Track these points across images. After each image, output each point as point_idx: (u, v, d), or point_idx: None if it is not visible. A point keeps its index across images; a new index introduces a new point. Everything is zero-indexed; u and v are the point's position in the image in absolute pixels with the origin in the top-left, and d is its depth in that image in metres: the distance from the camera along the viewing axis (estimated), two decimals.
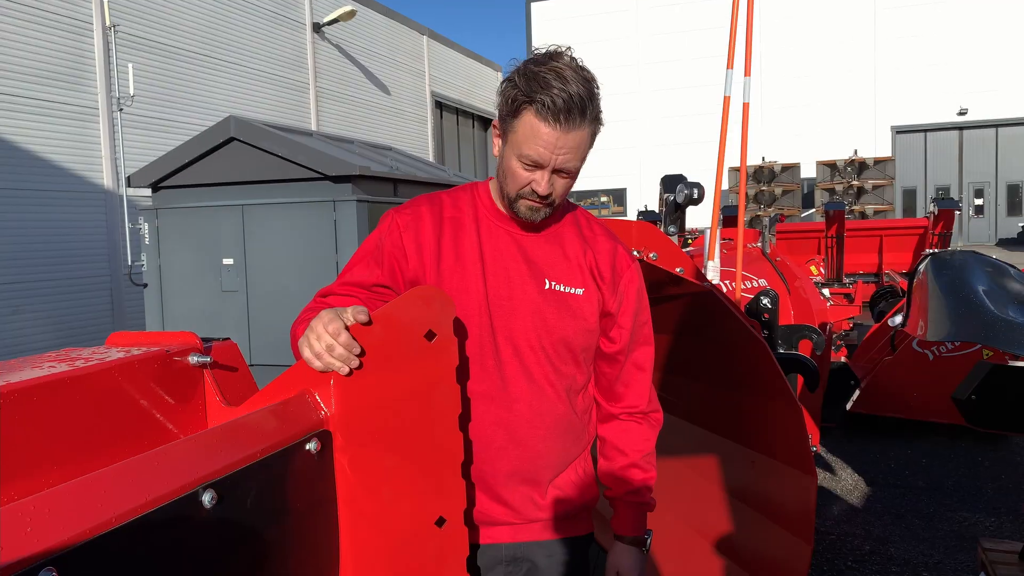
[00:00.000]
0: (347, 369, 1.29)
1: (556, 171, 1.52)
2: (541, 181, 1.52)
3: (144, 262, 6.35)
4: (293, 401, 1.30)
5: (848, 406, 5.93)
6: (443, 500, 1.37)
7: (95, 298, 9.71)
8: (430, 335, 1.37)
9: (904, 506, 4.64)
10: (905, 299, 6.81)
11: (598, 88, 1.52)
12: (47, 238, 9.14)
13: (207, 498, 1.05)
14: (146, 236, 6.27)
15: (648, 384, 1.76)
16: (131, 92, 9.85)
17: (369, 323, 1.30)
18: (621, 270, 1.68)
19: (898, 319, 6.65)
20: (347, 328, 1.28)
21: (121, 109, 9.86)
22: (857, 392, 5.94)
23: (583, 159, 1.55)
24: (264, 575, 1.19)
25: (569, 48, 1.53)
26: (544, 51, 1.52)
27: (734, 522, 2.55)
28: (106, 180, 9.89)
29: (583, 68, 1.51)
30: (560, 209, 1.67)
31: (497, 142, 1.59)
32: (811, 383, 3.01)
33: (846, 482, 5.06)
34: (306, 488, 1.28)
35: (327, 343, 1.26)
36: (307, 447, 1.27)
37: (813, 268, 11.64)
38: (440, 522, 1.36)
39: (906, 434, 5.93)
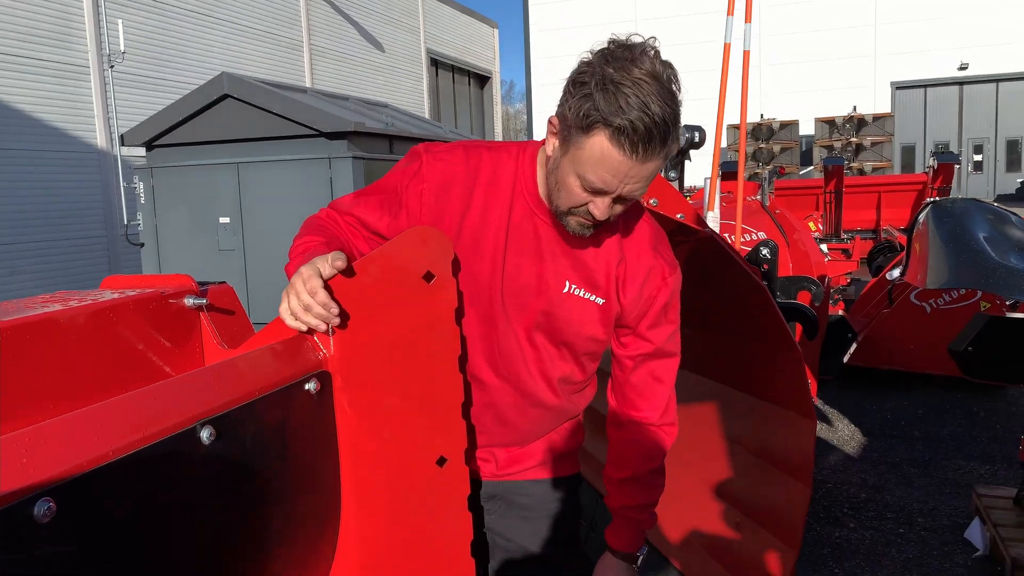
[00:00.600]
0: (325, 327, 1.26)
1: (617, 200, 1.36)
2: (600, 206, 1.35)
3: (140, 222, 6.32)
4: (291, 342, 1.29)
5: (845, 359, 5.95)
6: (444, 440, 1.37)
7: (92, 258, 9.68)
8: (428, 276, 1.36)
9: (900, 455, 4.69)
10: (903, 253, 6.81)
11: (682, 101, 1.31)
12: (42, 199, 9.07)
13: (205, 434, 1.04)
14: (141, 195, 6.23)
15: (666, 397, 1.64)
16: (122, 49, 9.70)
17: (350, 273, 1.28)
18: (652, 291, 1.54)
19: (896, 272, 6.65)
20: (325, 285, 1.24)
21: (112, 66, 9.72)
22: (854, 345, 5.96)
23: (647, 187, 1.37)
24: (265, 513, 1.20)
25: (652, 39, 1.31)
26: (622, 44, 1.29)
27: (734, 468, 2.57)
28: (99, 140, 9.79)
29: (670, 77, 1.28)
30: None
31: (552, 140, 1.39)
32: (810, 331, 3.02)
33: (843, 432, 5.11)
34: (306, 428, 1.27)
35: (305, 302, 1.24)
36: (306, 387, 1.26)
37: (811, 224, 11.60)
38: (441, 461, 1.36)
39: (903, 386, 5.96)
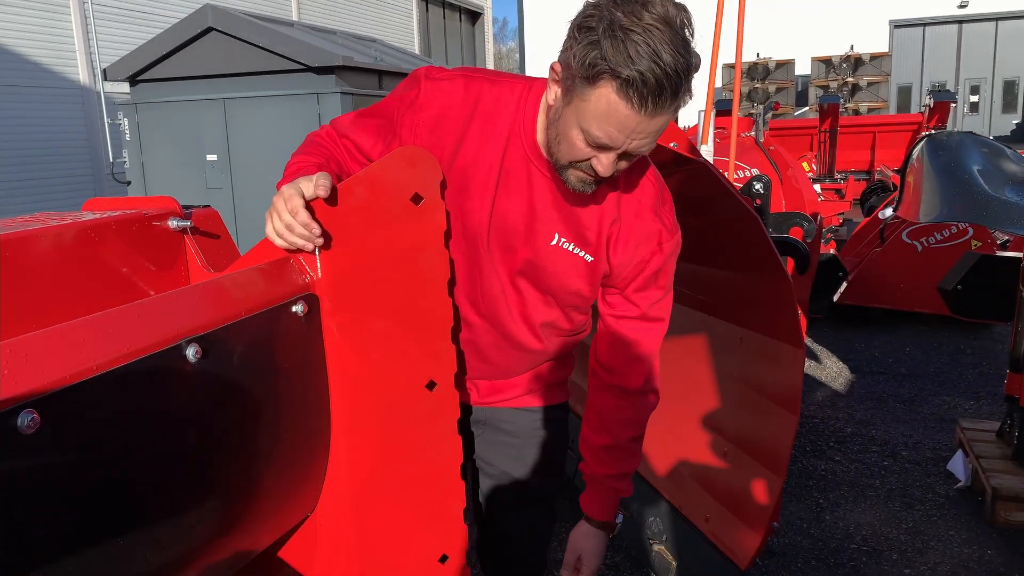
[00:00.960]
0: (311, 247, 1.25)
1: (622, 155, 1.28)
2: (604, 162, 1.27)
3: (126, 159, 6.22)
4: (278, 264, 1.28)
5: (836, 297, 5.99)
6: (433, 363, 1.36)
7: (78, 197, 9.55)
8: (416, 198, 1.33)
9: (886, 391, 4.75)
10: (896, 192, 6.79)
11: (697, 51, 1.20)
12: (25, 137, 8.92)
13: (191, 352, 1.03)
14: (126, 132, 6.12)
15: (649, 364, 1.59)
16: None
17: (334, 197, 1.25)
18: (645, 255, 1.48)
19: (888, 212, 6.63)
20: (308, 205, 1.22)
21: None
22: (845, 284, 5.99)
23: (655, 142, 1.28)
24: (253, 433, 1.19)
25: None
26: None
27: (723, 399, 2.59)
28: (82, 75, 9.57)
29: (683, 22, 1.18)
30: None
31: (554, 88, 1.29)
32: (801, 265, 3.01)
33: (831, 370, 5.16)
34: (293, 350, 1.26)
35: (287, 221, 1.22)
36: (293, 309, 1.25)
37: (805, 164, 11.54)
38: (431, 385, 1.36)
39: (892, 324, 6.02)
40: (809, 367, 5.17)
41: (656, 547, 2.78)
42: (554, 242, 1.45)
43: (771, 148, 6.01)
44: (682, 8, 1.19)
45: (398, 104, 1.45)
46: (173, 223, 1.38)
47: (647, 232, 1.47)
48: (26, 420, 0.81)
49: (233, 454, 1.16)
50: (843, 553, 3.00)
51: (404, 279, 1.35)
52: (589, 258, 1.47)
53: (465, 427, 1.67)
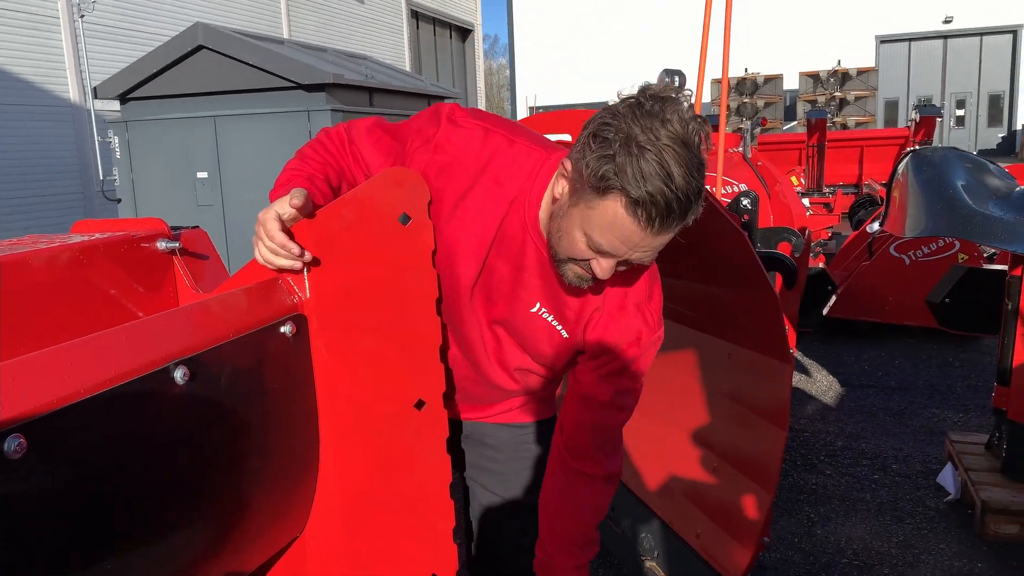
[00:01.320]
0: (299, 266, 1.26)
1: (622, 263, 1.29)
2: (604, 266, 1.28)
3: (116, 177, 6.22)
4: (265, 284, 1.29)
5: (825, 311, 6.01)
6: (422, 382, 1.36)
7: (68, 215, 9.52)
8: (404, 218, 1.34)
9: (876, 404, 4.77)
10: (883, 206, 6.85)
11: (706, 163, 1.20)
12: (15, 154, 8.89)
13: (179, 374, 1.04)
14: (116, 150, 6.12)
15: (613, 449, 1.58)
16: None
17: (314, 215, 1.26)
18: (620, 347, 1.47)
19: (876, 225, 6.69)
20: (284, 227, 1.24)
21: (83, 16, 9.47)
22: (834, 297, 6.02)
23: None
24: (242, 454, 1.20)
25: (683, 91, 1.18)
26: (655, 95, 1.18)
27: (712, 414, 2.60)
28: (72, 93, 9.57)
29: (699, 140, 1.17)
30: None
31: (563, 183, 1.29)
32: (789, 280, 3.03)
33: (820, 383, 5.18)
34: (282, 370, 1.27)
35: (268, 246, 1.24)
36: (281, 330, 1.26)
37: (794, 179, 11.61)
38: (419, 404, 1.36)
39: (881, 337, 6.04)
40: (799, 380, 5.19)
41: (648, 563, 2.78)
42: (534, 309, 1.46)
43: (759, 163, 6.06)
44: (701, 123, 1.19)
45: (415, 136, 1.45)
46: (162, 244, 1.38)
47: (627, 326, 1.46)
48: (13, 445, 0.81)
49: (221, 475, 1.16)
50: (834, 567, 3.00)
51: (392, 298, 1.36)
52: (566, 334, 1.48)
53: (455, 444, 1.68)
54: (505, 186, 1.39)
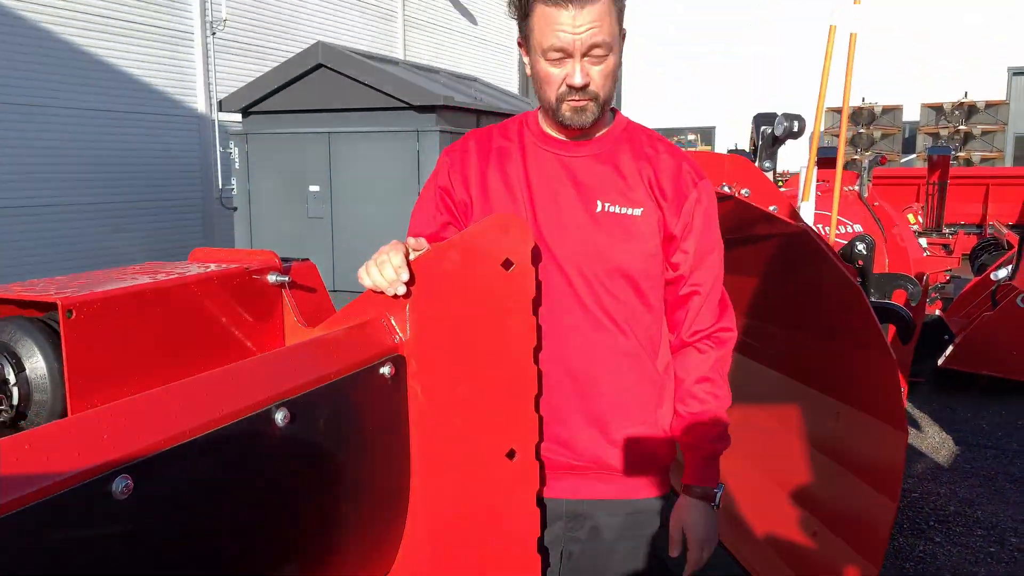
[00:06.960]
0: (394, 290, 1.30)
1: (586, 56, 1.41)
2: (573, 72, 1.42)
3: (234, 186, 6.53)
4: (368, 324, 1.29)
5: (940, 361, 5.66)
6: (515, 432, 1.34)
7: (188, 220, 10.05)
8: (507, 264, 1.33)
9: (994, 468, 4.44)
10: (1011, 251, 6.39)
11: None
12: (145, 160, 9.45)
13: (280, 416, 1.05)
14: (236, 161, 6.43)
15: (713, 306, 1.56)
16: (224, 16, 9.98)
17: (429, 257, 1.32)
18: (686, 188, 1.52)
19: (1002, 272, 6.27)
20: (406, 257, 1.31)
21: (214, 33, 10.01)
22: (951, 347, 5.66)
23: (611, 34, 1.42)
24: (336, 496, 1.20)
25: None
26: None
27: (815, 474, 2.47)
28: (200, 104, 10.11)
29: None
30: (615, 127, 1.57)
31: (526, 58, 1.51)
32: (904, 335, 2.87)
33: (932, 440, 4.87)
34: (379, 412, 1.27)
35: (380, 260, 1.30)
36: (381, 371, 1.26)
37: (911, 216, 11.06)
38: (511, 454, 1.34)
39: (1002, 394, 5.64)
40: (910, 435, 4.89)
41: None
42: (600, 209, 1.51)
43: (876, 204, 5.78)
44: None
45: (432, 180, 1.61)
46: (273, 278, 1.41)
47: (677, 167, 1.54)
48: (120, 486, 0.83)
49: (316, 516, 1.17)
50: None
51: (490, 344, 1.34)
52: (638, 212, 1.51)
53: (542, 501, 1.61)
54: (511, 140, 1.57)
